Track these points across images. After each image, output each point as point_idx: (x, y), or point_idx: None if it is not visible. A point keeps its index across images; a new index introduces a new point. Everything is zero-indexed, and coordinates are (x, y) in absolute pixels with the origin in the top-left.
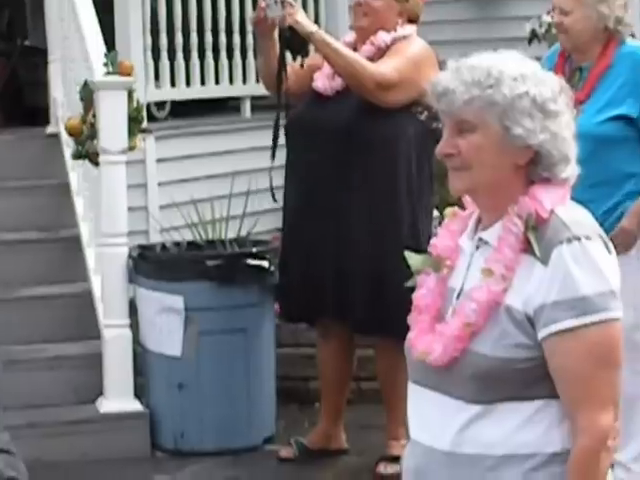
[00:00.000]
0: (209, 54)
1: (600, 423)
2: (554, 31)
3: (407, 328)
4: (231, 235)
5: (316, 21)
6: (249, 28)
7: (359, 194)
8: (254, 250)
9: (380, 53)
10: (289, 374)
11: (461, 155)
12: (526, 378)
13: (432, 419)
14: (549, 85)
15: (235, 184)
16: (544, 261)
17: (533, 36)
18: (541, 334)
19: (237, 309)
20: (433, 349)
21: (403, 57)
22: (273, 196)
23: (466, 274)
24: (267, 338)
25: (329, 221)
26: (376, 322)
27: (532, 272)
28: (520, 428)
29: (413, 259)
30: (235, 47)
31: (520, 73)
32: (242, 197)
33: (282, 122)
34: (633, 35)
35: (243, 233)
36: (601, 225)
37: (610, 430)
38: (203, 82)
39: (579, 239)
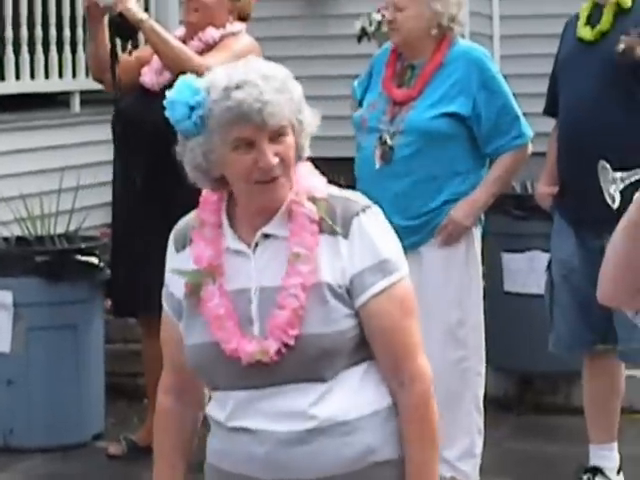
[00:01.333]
0: (39, 48)
1: (424, 368)
2: (384, 29)
3: None
4: (60, 230)
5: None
6: (79, 22)
7: (177, 194)
8: (83, 246)
9: (208, 49)
10: (118, 370)
11: (284, 161)
12: (354, 345)
13: (280, 410)
14: None
15: (64, 179)
16: (345, 235)
17: (363, 34)
18: (359, 301)
19: (66, 305)
20: (268, 346)
21: (229, 52)
22: None
23: (256, 271)
24: (96, 334)
25: (150, 219)
26: None
27: (338, 248)
28: (359, 391)
29: (187, 275)
30: (65, 41)
31: (288, 73)
32: (71, 192)
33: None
34: (463, 36)
35: (72, 228)
36: (429, 222)
37: (429, 372)
38: (33, 76)
39: (370, 207)
